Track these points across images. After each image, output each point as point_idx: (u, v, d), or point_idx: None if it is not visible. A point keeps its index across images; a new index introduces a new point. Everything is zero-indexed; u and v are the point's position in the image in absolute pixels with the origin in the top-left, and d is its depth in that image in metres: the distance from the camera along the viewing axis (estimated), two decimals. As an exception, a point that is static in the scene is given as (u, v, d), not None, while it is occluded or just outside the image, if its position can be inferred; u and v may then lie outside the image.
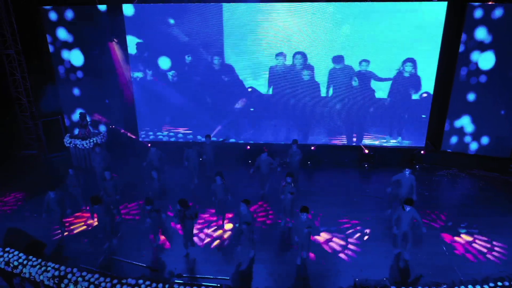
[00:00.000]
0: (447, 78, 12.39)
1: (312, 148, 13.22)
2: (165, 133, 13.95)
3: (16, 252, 8.20)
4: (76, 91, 13.54)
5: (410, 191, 9.54)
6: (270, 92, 13.06)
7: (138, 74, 13.32)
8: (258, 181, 11.36)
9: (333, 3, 11.91)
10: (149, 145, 11.86)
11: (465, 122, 12.54)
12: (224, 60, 12.83)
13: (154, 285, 7.48)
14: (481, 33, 11.57)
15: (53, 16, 12.70)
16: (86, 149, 12.75)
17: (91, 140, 12.75)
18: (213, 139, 12.72)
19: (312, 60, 12.57)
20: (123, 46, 13.08)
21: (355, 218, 10.23)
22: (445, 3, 11.57)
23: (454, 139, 12.85)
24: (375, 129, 13.26)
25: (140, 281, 7.53)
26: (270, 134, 13.58)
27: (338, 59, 12.48)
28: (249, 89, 13.09)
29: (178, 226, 9.29)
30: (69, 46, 13.04)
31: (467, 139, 12.67)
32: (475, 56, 11.83)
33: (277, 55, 12.60)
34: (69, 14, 12.66)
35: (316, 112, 13.17)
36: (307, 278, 8.25)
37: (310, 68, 12.65)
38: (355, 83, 12.61)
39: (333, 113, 13.13)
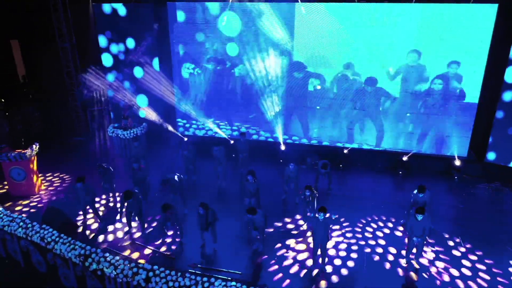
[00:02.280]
0: (495, 85, 11.62)
1: (345, 151, 13.00)
2: (224, 127, 14.35)
3: (50, 230, 8.92)
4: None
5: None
6: (336, 90, 12.98)
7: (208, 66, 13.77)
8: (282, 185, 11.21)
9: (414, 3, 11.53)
10: (185, 138, 12.28)
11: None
12: (292, 58, 12.94)
13: (167, 271, 7.82)
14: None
15: (103, 11, 13.51)
16: (126, 139, 13.52)
17: (132, 131, 13.50)
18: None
19: (385, 60, 12.29)
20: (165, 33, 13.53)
21: (377, 226, 9.98)
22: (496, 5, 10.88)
23: (499, 150, 11.99)
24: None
25: (155, 267, 7.89)
26: (341, 134, 13.42)
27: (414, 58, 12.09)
28: (318, 87, 13.08)
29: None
30: (117, 40, 13.82)
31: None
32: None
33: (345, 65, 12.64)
34: (118, 10, 13.43)
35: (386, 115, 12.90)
36: (319, 282, 8.20)
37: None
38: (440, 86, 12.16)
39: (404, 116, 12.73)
